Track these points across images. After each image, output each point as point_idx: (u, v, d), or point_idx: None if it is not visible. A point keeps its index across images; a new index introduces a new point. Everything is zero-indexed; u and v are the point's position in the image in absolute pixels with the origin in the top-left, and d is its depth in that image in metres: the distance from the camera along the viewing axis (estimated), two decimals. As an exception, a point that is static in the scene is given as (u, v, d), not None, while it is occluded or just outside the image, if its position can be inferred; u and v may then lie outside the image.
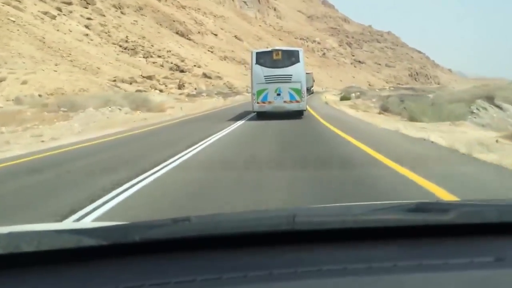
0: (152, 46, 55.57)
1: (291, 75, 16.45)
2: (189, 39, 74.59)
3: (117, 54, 43.69)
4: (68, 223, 3.03)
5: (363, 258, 1.01)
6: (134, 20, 63.46)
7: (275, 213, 1.38)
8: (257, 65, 16.70)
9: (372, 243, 1.10)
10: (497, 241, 1.12)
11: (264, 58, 16.77)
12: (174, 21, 76.23)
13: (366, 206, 1.42)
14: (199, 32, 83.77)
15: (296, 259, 1.02)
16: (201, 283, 0.92)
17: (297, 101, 16.49)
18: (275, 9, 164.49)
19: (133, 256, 1.06)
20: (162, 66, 48.00)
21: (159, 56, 51.50)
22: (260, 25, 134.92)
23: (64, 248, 1.02)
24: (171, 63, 51.17)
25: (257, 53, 17.26)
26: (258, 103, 16.55)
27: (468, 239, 1.13)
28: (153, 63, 48.12)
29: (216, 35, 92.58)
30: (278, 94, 16.35)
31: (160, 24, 70.80)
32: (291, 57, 16.78)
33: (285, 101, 16.42)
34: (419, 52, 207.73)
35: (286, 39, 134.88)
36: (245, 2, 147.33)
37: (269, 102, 16.46)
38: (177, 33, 72.38)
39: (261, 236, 1.10)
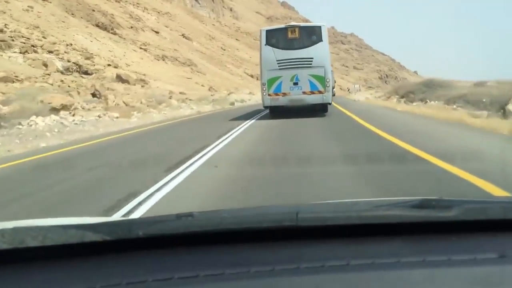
0: (44, 38, 37.94)
1: (312, 58, 12.88)
2: (114, 34, 56.96)
3: None
4: (73, 218, 2.15)
5: (367, 254, 0.99)
6: (28, 6, 45.61)
7: (278, 209, 1.35)
8: (268, 47, 13.09)
9: (376, 239, 1.08)
10: (500, 238, 1.10)
11: (277, 38, 13.30)
12: (94, 11, 58.46)
13: (369, 202, 1.37)
14: (131, 27, 66.03)
15: (299, 255, 1.01)
16: (204, 279, 0.91)
17: (320, 92, 12.91)
18: (231, 10, 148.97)
19: (136, 252, 1.05)
20: (46, 65, 30.86)
21: (50, 52, 34.29)
22: (214, 25, 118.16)
23: (68, 243, 1.01)
24: (68, 60, 34.04)
25: (267, 31, 13.62)
26: (269, 95, 13.17)
27: (472, 236, 1.11)
28: (34, 60, 31.02)
29: (157, 32, 75.25)
30: (295, 83, 13.00)
31: (72, 14, 52.86)
32: (311, 35, 13.14)
33: (304, 92, 12.99)
34: (384, 54, 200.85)
35: (244, 40, 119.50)
36: (197, 0, 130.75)
37: (284, 94, 13.10)
38: (97, 25, 54.73)
39: (264, 232, 1.09)
